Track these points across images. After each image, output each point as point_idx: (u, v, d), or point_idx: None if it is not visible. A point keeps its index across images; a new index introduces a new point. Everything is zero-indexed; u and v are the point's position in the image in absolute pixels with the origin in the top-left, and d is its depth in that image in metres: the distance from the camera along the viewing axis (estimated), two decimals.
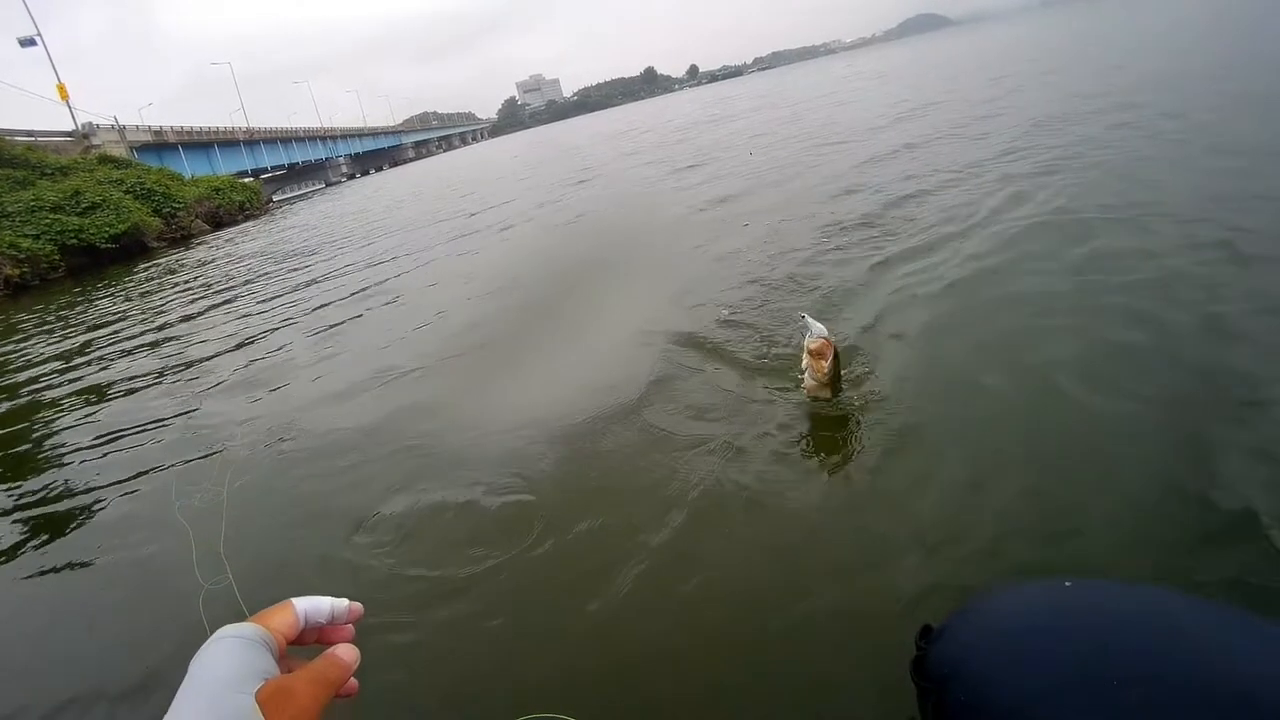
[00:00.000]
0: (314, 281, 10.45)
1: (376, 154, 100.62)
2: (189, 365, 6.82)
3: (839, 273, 4.96)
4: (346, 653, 0.72)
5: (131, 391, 6.38)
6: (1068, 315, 3.50)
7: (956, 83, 17.81)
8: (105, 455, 4.82)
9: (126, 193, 28.77)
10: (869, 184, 7.79)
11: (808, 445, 2.88)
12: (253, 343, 7.25)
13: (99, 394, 6.57)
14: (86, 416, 5.91)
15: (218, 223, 33.52)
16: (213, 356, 6.95)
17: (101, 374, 7.36)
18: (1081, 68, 15.06)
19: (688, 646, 1.99)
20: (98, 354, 8.50)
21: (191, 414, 5.25)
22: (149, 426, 5.22)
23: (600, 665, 2.01)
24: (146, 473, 4.31)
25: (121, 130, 40.81)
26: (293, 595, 0.79)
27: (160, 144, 44.89)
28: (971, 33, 74.42)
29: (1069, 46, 22.69)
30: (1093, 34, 26.06)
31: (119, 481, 4.28)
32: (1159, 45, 16.29)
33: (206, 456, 4.34)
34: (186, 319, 9.78)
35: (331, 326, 7.11)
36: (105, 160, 33.42)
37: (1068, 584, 1.32)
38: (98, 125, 39.36)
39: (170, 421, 5.20)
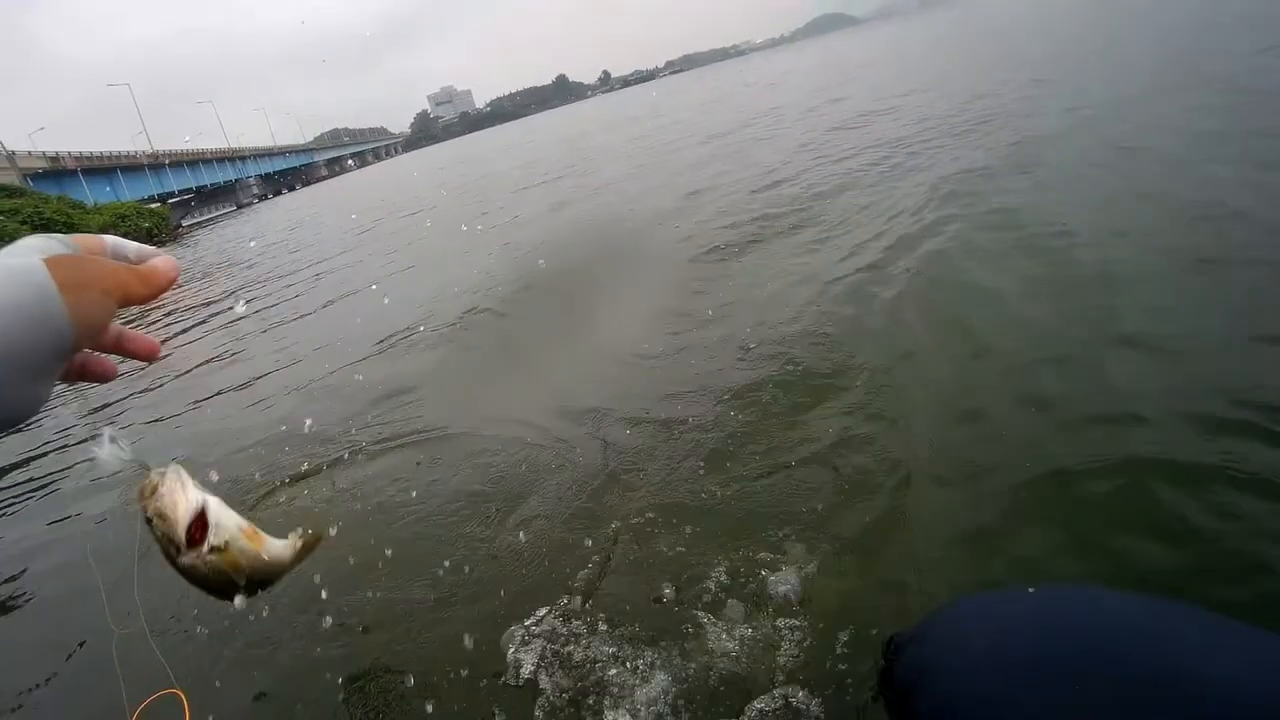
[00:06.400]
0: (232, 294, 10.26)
1: (288, 173, 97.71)
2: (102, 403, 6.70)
3: None
4: (165, 262, 0.65)
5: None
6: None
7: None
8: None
9: (23, 224, 27.30)
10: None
11: None
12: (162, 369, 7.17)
13: None
14: None
15: None
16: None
17: None
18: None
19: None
20: None
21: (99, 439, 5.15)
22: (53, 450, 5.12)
23: None
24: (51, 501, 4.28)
25: (11, 156, 38.43)
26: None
27: (58, 170, 42.32)
28: (875, 31, 77.08)
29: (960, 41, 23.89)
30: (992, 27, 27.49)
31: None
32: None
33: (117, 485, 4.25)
34: None
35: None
36: None
37: (1031, 590, 1.32)
38: None
39: (77, 449, 5.14)
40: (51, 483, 4.82)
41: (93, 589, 2.96)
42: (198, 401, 5.80)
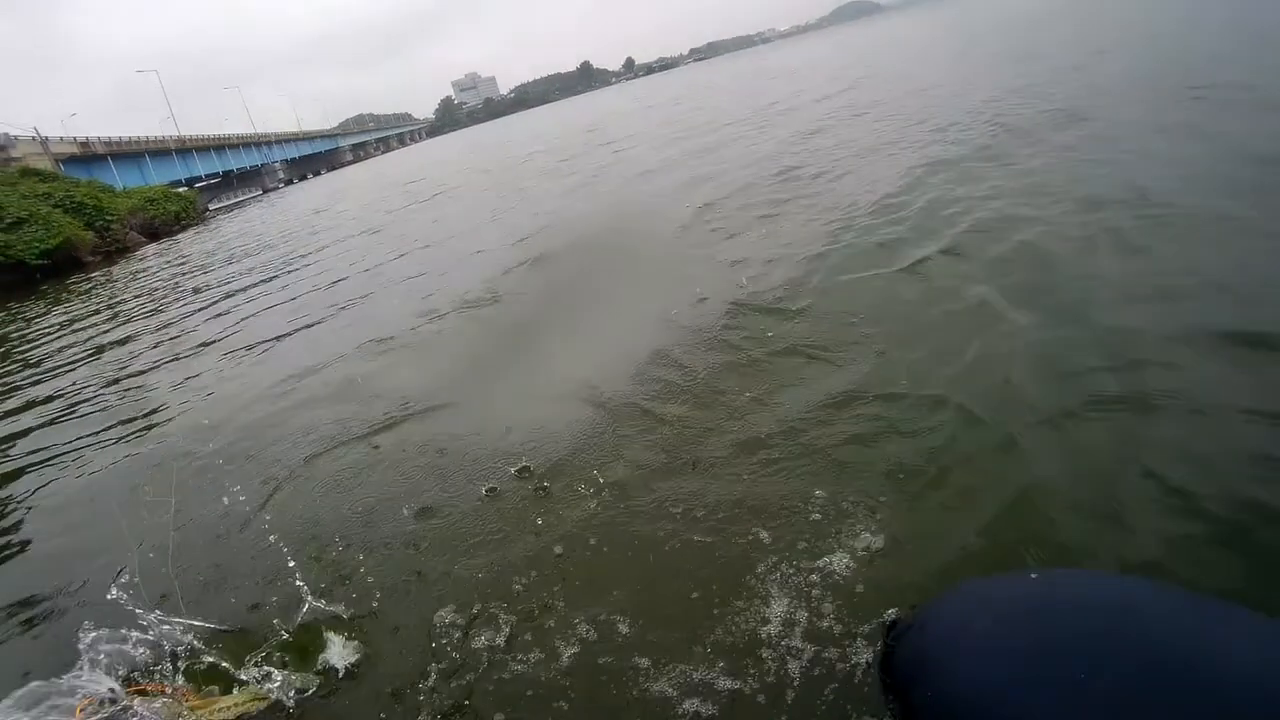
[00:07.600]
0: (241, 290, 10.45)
1: (313, 158, 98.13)
2: (132, 376, 6.88)
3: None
4: None
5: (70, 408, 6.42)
6: None
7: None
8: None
9: (55, 206, 27.58)
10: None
11: None
12: (182, 356, 7.25)
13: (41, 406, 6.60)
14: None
15: (154, 234, 32.48)
16: (147, 370, 7.01)
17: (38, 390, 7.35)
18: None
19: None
20: (41, 370, 8.37)
21: (135, 434, 5.19)
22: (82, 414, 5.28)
23: None
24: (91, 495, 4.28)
25: (44, 142, 38.96)
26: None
27: (88, 156, 42.83)
28: (899, 18, 76.08)
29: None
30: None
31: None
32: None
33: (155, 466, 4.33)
34: (128, 326, 9.71)
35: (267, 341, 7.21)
36: (28, 174, 31.85)
37: (1033, 575, 1.33)
38: (16, 137, 37.39)
39: (112, 432, 5.16)
40: (82, 451, 4.97)
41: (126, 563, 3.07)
42: (222, 367, 5.98)
